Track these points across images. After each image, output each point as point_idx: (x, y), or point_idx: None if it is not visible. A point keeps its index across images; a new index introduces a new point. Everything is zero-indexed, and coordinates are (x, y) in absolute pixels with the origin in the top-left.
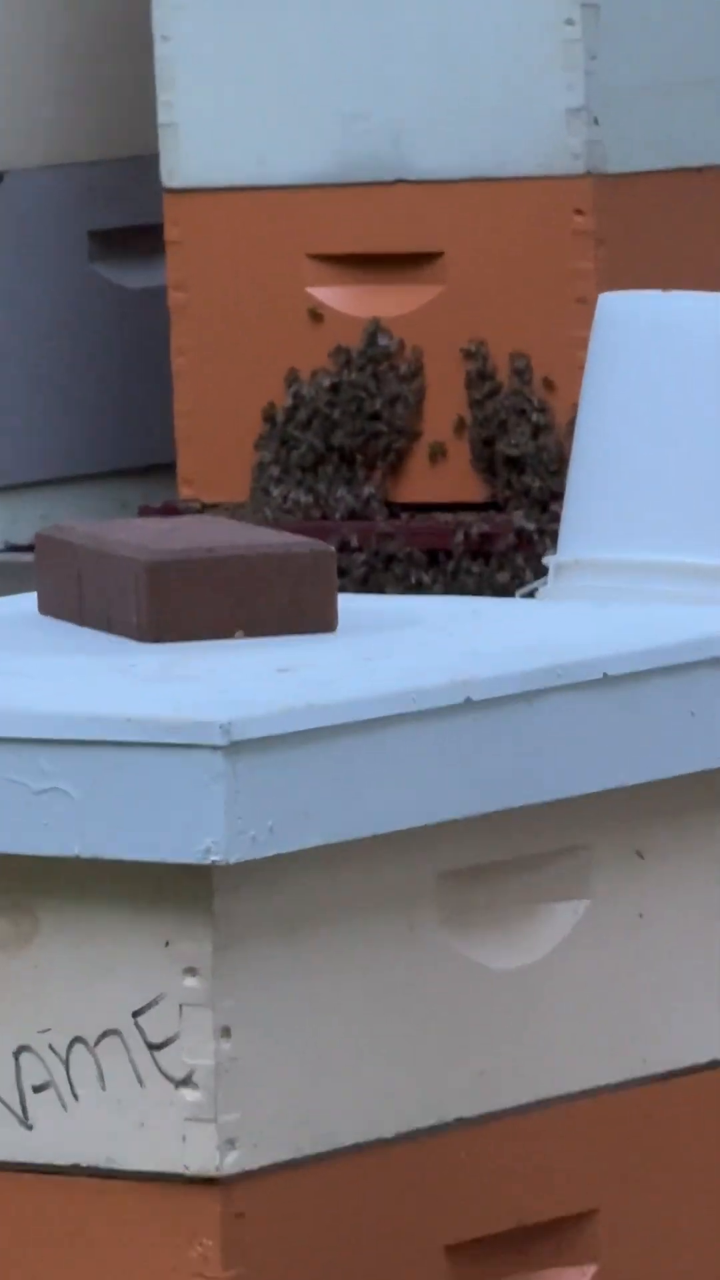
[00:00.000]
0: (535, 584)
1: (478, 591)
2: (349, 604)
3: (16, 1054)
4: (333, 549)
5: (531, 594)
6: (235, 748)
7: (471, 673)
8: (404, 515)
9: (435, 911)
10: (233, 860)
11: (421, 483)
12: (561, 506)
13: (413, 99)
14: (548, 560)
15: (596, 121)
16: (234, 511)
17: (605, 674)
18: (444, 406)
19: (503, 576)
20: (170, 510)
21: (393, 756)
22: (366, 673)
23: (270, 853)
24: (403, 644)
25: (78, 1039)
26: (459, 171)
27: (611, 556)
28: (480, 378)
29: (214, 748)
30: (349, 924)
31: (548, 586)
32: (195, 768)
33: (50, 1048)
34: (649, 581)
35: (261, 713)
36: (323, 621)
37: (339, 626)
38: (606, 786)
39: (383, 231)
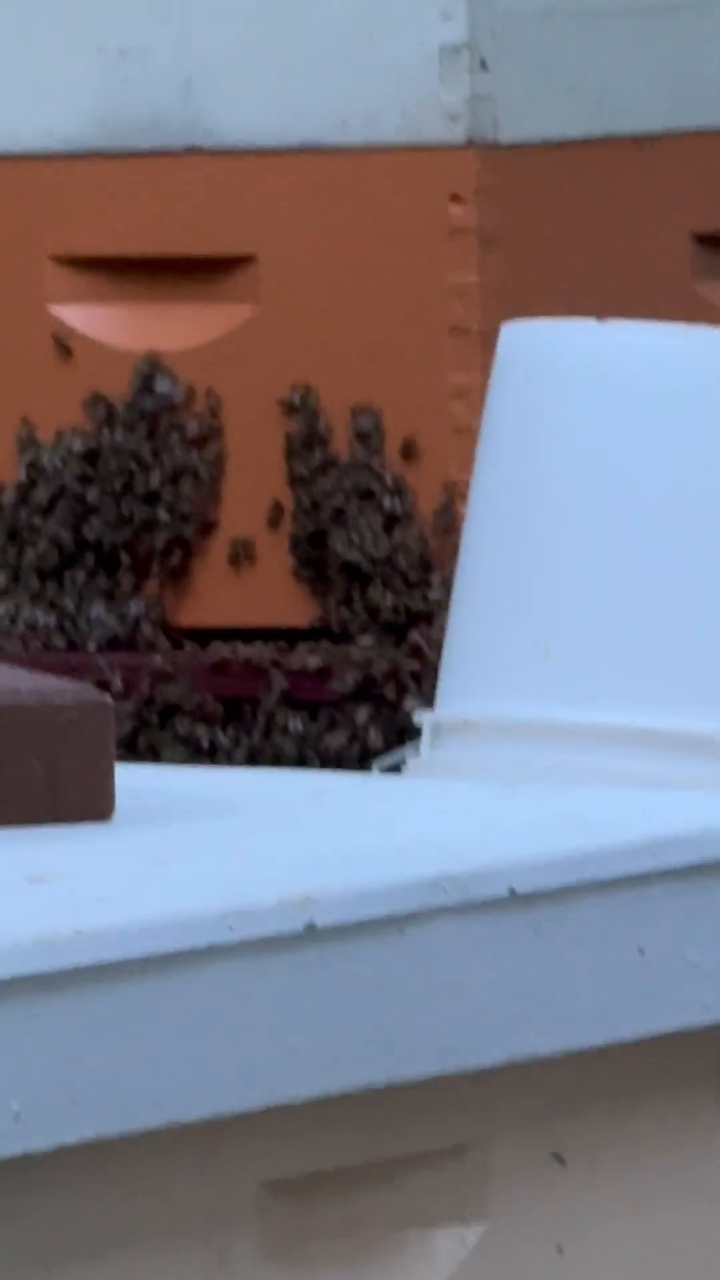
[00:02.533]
0: (400, 753)
1: (299, 760)
2: (128, 779)
3: None
4: (108, 700)
5: (397, 768)
6: None
7: (315, 885)
8: (191, 645)
9: (257, 1239)
10: None
11: (218, 598)
12: (425, 635)
13: (210, 29)
14: (421, 718)
15: (484, 65)
16: None
17: (512, 890)
18: (253, 485)
19: (336, 739)
20: None
21: (198, 1010)
22: (160, 884)
23: (15, 1151)
24: (211, 842)
25: None
26: (278, 137)
27: (519, 714)
28: (307, 444)
29: None
30: (132, 1258)
31: (420, 758)
32: None
33: None
34: (575, 751)
35: (5, 943)
36: (93, 806)
37: (117, 814)
38: (512, 1058)
39: (165, 225)
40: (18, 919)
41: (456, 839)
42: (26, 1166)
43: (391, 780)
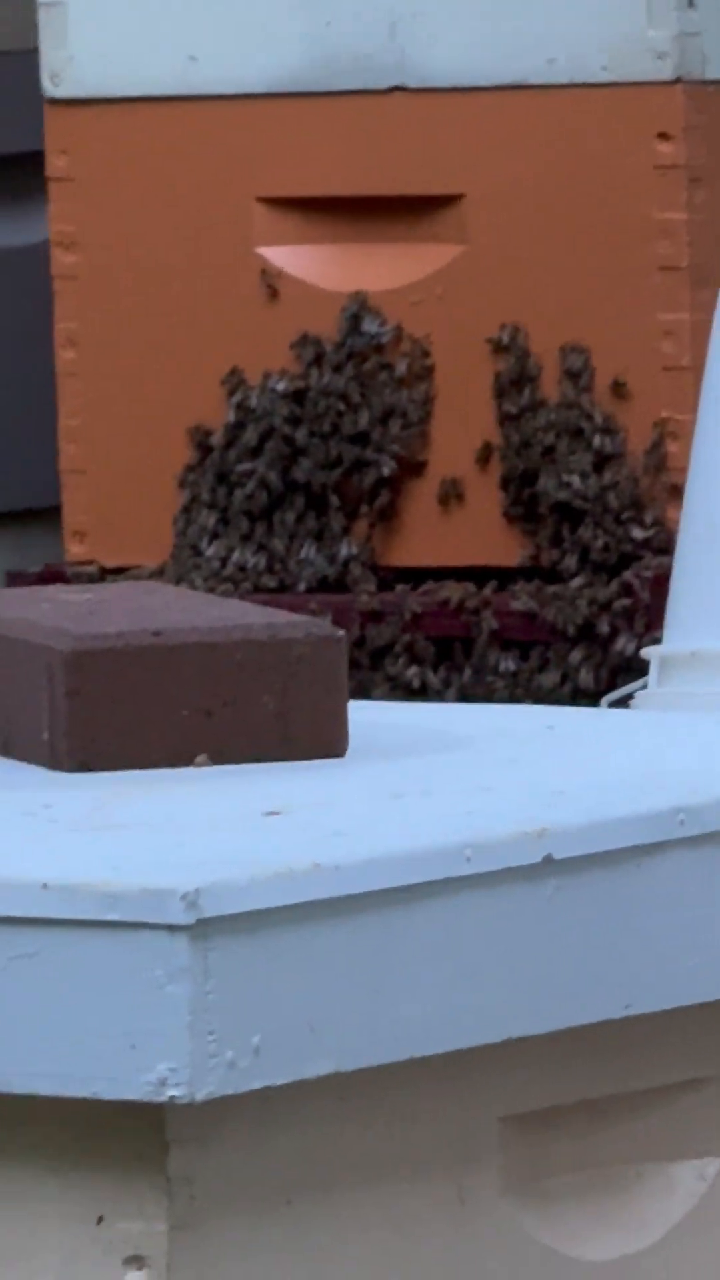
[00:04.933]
0: (631, 687)
1: (510, 699)
2: (359, 715)
3: None
4: (342, 634)
5: (625, 701)
6: (205, 929)
7: (552, 819)
8: (401, 586)
9: (496, 1174)
10: (200, 1097)
11: (427, 538)
12: (637, 573)
13: None
14: (649, 652)
15: (692, 3)
16: (150, 578)
17: None
18: (462, 425)
19: (548, 678)
20: (54, 576)
21: (438, 944)
22: (397, 818)
23: (255, 1085)
24: (445, 776)
25: None
26: (484, 77)
27: None
28: (516, 383)
29: (173, 929)
30: (371, 1192)
31: (649, 691)
32: (144, 959)
33: None
34: None
35: (244, 878)
36: (327, 741)
37: (349, 749)
38: None
39: (372, 165)
40: (256, 854)
41: (692, 770)
42: (266, 1100)
43: (622, 714)
